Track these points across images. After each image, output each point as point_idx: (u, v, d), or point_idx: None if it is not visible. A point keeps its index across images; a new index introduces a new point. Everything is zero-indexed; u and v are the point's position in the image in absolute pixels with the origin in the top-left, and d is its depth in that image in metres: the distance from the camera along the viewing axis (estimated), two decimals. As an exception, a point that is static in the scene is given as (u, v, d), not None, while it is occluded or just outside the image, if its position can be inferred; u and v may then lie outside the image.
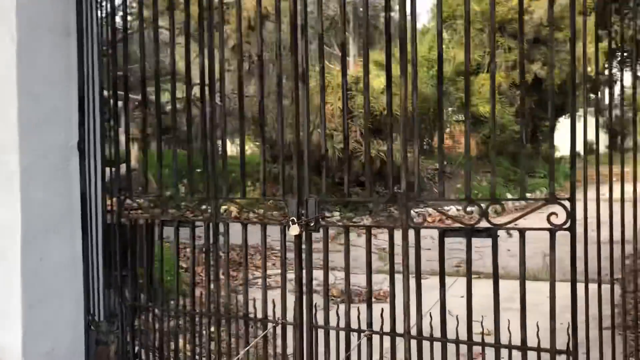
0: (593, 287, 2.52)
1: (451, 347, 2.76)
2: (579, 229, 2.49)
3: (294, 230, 2.89)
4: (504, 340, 2.67)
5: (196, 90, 3.21)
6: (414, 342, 2.81)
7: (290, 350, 3.08)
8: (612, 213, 2.54)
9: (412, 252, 2.76)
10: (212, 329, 3.26)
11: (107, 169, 3.60)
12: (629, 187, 2.51)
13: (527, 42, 14.76)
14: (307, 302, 2.97)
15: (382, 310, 2.88)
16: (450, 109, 14.11)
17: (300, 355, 3.00)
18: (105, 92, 3.59)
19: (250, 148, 15.70)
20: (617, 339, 2.64)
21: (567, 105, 2.95)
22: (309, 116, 2.95)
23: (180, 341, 3.48)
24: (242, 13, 3.31)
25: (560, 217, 2.52)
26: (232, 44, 10.98)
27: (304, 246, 2.95)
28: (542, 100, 16.13)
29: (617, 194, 2.46)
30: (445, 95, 13.40)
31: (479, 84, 14.08)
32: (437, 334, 2.79)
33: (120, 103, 3.63)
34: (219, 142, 3.26)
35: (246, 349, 3.03)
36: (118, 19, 3.72)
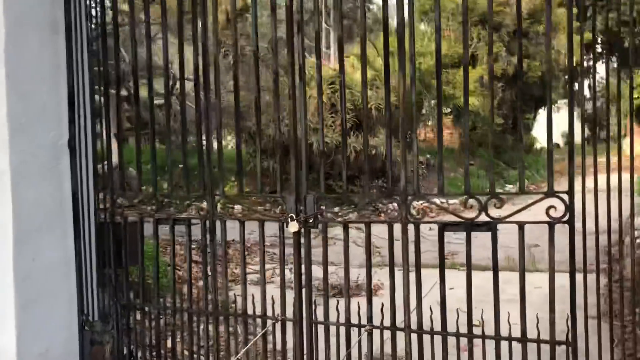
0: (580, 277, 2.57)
1: (448, 340, 2.79)
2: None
3: (293, 226, 2.88)
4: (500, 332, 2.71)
5: (189, 89, 3.17)
6: (413, 336, 2.83)
7: (289, 346, 3.08)
8: (597, 204, 2.58)
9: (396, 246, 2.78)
10: (210, 327, 3.24)
11: (99, 167, 3.55)
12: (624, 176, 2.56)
13: (507, 35, 14.87)
14: (307, 298, 2.97)
15: (382, 305, 2.89)
16: (433, 101, 14.18)
17: (301, 352, 3.00)
18: (96, 89, 3.53)
19: (228, 142, 15.59)
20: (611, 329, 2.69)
21: (547, 97, 2.98)
22: (306, 113, 2.94)
23: (172, 339, 3.46)
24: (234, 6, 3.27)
25: (559, 210, 2.55)
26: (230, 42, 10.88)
27: (302, 242, 2.94)
28: (523, 92, 16.29)
29: (609, 184, 2.49)
30: (428, 89, 13.47)
31: (462, 77, 14.15)
32: (430, 326, 2.82)
33: (111, 100, 3.58)
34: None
35: (248, 346, 3.02)
36: (107, 18, 3.65)
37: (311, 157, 2.88)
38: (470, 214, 2.67)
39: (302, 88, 2.90)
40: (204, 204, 3.19)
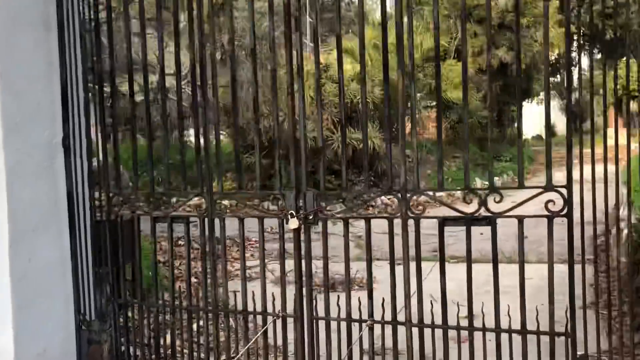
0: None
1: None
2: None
3: (293, 223, 2.89)
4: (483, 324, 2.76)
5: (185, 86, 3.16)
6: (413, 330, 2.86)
7: (290, 342, 3.09)
8: (595, 197, 2.63)
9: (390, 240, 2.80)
10: (210, 324, 3.25)
11: (95, 165, 3.53)
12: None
13: (492, 28, 14.95)
14: (307, 293, 2.99)
15: (383, 299, 2.92)
16: (419, 94, 14.22)
17: (302, 347, 3.02)
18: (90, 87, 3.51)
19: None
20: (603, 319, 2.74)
21: (531, 89, 3.02)
22: (305, 110, 2.95)
23: (171, 337, 3.46)
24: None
25: (558, 204, 2.59)
26: (226, 38, 10.82)
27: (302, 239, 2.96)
28: (507, 85, 16.40)
29: (594, 175, 2.54)
30: (416, 82, 13.47)
31: (447, 70, 14.20)
32: (431, 319, 2.85)
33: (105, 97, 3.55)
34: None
35: (250, 343, 3.03)
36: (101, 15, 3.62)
37: (297, 151, 2.88)
38: (467, 208, 2.70)
39: (301, 85, 2.90)
40: (202, 202, 3.19)
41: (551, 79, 24.43)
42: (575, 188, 2.56)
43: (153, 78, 3.78)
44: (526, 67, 16.22)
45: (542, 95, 25.00)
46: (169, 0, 3.24)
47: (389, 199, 8.01)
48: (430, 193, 2.84)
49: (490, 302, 2.75)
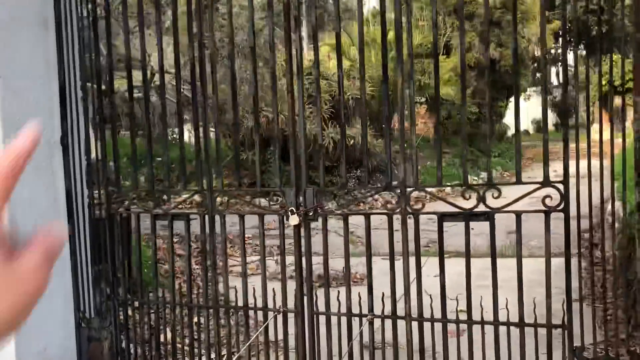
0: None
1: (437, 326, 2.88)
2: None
3: (294, 220, 2.92)
4: (482, 317, 2.82)
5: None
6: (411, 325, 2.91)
7: (291, 338, 3.13)
8: (591, 192, 2.69)
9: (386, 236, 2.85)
10: (211, 320, 3.27)
11: (94, 163, 3.54)
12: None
13: (481, 24, 15.03)
14: (308, 289, 3.03)
15: (383, 294, 2.96)
16: (406, 91, 14.25)
17: (303, 342, 3.05)
18: (89, 85, 3.51)
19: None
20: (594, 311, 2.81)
21: (519, 85, 3.07)
22: (304, 107, 2.97)
23: (172, 334, 3.48)
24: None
25: (555, 199, 2.64)
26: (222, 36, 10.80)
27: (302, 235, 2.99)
28: (495, 81, 16.49)
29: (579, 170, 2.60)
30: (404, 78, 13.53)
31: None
32: (431, 313, 2.90)
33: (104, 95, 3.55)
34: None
35: (252, 338, 3.06)
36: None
37: (297, 149, 2.92)
38: (464, 204, 2.75)
39: (300, 83, 2.93)
40: (202, 199, 3.21)
41: (537, 75, 24.63)
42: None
43: (151, 76, 3.79)
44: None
45: (529, 91, 25.21)
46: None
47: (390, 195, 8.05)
48: (429, 189, 2.88)
49: (484, 296, 2.81)
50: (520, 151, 2.73)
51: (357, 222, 4.21)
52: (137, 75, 3.43)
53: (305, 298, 3.05)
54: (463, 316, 2.90)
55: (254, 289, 3.18)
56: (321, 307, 3.05)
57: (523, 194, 2.67)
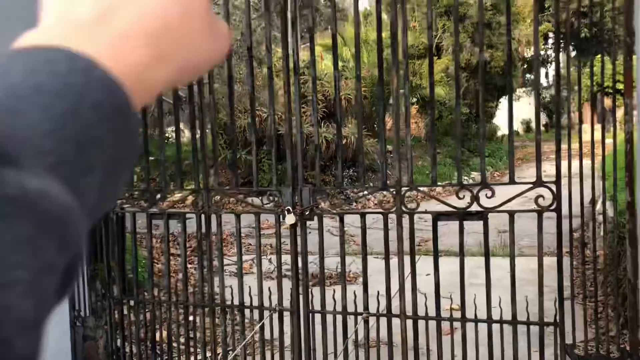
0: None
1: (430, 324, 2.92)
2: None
3: (290, 219, 2.95)
4: (476, 315, 2.86)
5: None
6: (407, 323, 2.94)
7: (286, 336, 3.15)
8: (582, 192, 2.75)
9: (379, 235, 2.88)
10: (207, 319, 3.29)
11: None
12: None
13: (471, 26, 15.13)
14: (304, 288, 3.06)
15: (378, 292, 2.99)
16: (401, 91, 14.33)
17: (298, 341, 3.08)
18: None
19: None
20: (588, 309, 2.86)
21: (512, 86, 3.11)
22: (300, 107, 3.00)
23: (168, 332, 3.50)
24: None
25: (547, 199, 2.69)
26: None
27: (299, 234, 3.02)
28: (486, 82, 16.61)
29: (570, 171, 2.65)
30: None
31: (427, 66, 14.34)
32: (425, 312, 2.94)
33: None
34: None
35: (249, 337, 3.08)
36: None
37: (293, 148, 2.95)
38: (458, 203, 2.79)
39: (297, 83, 2.96)
40: (198, 198, 3.23)
41: (527, 76, 24.81)
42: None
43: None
44: (504, 64, 16.40)
45: (518, 92, 25.39)
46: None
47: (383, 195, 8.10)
48: (424, 189, 2.92)
49: (476, 294, 2.86)
50: (513, 152, 2.77)
51: (349, 221, 4.24)
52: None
53: (300, 297, 3.08)
54: (456, 314, 2.94)
55: (249, 288, 3.20)
56: (316, 306, 3.08)
57: (516, 194, 2.71)
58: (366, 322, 3.00)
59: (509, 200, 2.72)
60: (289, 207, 2.96)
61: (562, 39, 3.27)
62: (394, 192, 2.87)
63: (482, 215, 2.76)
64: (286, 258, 3.18)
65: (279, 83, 3.05)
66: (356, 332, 3.03)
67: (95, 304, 3.56)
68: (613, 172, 2.77)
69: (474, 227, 3.38)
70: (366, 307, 3.00)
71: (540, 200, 2.69)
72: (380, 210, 2.97)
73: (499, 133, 20.75)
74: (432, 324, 2.94)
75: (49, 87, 0.29)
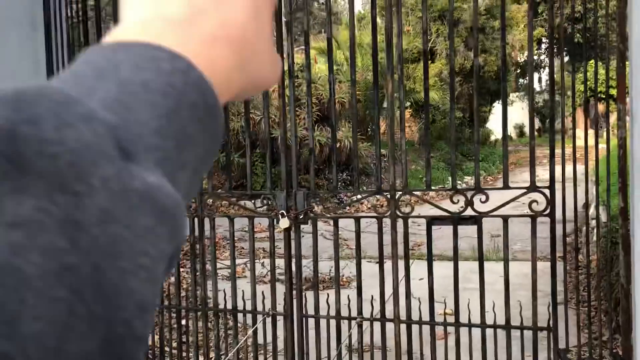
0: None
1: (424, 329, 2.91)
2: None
3: (285, 223, 2.94)
4: (469, 319, 2.86)
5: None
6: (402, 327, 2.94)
7: (280, 341, 3.14)
8: (576, 197, 2.76)
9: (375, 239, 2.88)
10: (200, 323, 3.27)
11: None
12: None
13: (465, 30, 15.19)
14: (297, 292, 3.05)
15: (372, 297, 2.99)
16: (395, 94, 14.36)
17: (292, 345, 3.07)
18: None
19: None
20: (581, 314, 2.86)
21: (507, 91, 3.13)
22: (295, 111, 3.00)
23: (160, 337, 3.48)
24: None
25: (541, 204, 2.69)
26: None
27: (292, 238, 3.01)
28: (479, 87, 16.67)
29: (564, 175, 2.66)
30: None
31: (421, 71, 14.39)
32: (419, 316, 2.94)
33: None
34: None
35: (242, 342, 3.07)
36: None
37: (288, 152, 2.94)
38: (452, 207, 2.79)
39: (291, 87, 2.95)
40: (192, 201, 3.21)
41: (521, 81, 24.93)
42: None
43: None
44: (497, 69, 16.50)
45: (511, 96, 25.52)
46: None
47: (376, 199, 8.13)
48: (418, 193, 2.92)
49: (469, 298, 2.86)
50: (507, 156, 2.77)
51: (343, 224, 4.23)
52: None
53: (294, 301, 3.07)
54: (450, 319, 2.94)
55: (242, 292, 3.19)
56: (310, 310, 3.07)
57: (510, 199, 2.71)
58: (360, 326, 3.00)
59: (503, 205, 2.73)
60: (283, 211, 2.95)
61: (556, 44, 3.29)
62: (388, 196, 2.87)
63: (476, 220, 2.76)
64: (279, 262, 3.17)
65: (273, 86, 3.05)
66: (350, 336, 3.03)
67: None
68: (606, 177, 2.78)
69: (466, 232, 3.40)
70: (360, 312, 3.00)
71: (534, 205, 2.69)
72: (375, 214, 2.97)
73: (492, 137, 20.82)
74: (426, 328, 2.93)
75: (155, 84, 0.30)
